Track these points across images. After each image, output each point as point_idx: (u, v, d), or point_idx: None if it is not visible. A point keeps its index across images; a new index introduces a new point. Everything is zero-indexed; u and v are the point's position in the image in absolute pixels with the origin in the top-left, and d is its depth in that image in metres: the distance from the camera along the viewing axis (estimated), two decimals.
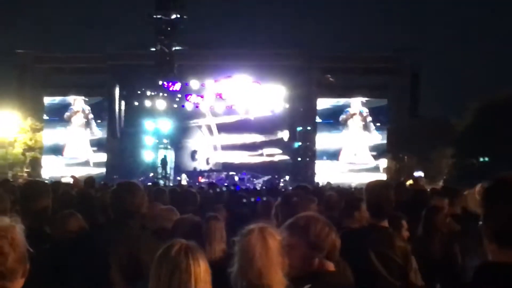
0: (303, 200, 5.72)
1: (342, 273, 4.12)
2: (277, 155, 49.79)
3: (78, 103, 52.25)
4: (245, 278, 3.64)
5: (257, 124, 49.38)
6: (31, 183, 6.48)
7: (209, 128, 52.00)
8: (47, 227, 5.58)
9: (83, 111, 52.25)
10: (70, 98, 52.15)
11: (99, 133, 52.09)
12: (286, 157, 50.00)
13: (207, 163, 50.53)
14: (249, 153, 49.92)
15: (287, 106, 49.51)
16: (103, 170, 50.21)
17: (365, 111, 50.10)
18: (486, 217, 2.42)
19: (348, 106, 50.38)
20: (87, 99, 52.03)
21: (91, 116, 52.07)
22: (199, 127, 52.15)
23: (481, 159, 46.21)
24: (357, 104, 50.32)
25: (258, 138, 49.89)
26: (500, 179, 2.45)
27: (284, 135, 50.40)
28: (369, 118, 50.08)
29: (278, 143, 50.20)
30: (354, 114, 50.26)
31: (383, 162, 48.90)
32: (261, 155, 49.76)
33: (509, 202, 2.36)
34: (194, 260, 3.35)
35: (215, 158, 51.26)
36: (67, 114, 52.21)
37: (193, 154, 50.95)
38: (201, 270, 3.34)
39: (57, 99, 52.23)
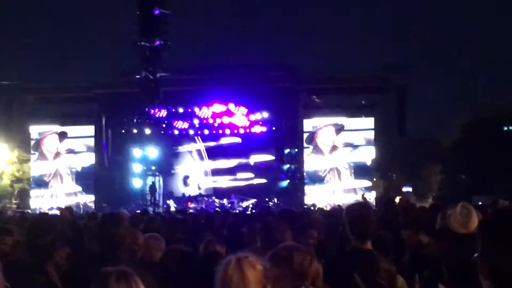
0: (280, 226, 5.87)
1: None
2: (264, 177, 49.48)
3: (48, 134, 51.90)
4: None
5: (243, 147, 49.28)
6: (40, 219, 6.50)
7: (199, 153, 51.88)
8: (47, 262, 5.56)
9: (53, 141, 51.79)
10: (41, 128, 51.99)
11: (77, 163, 51.66)
12: (274, 179, 49.64)
13: (199, 188, 50.40)
14: (237, 176, 49.73)
15: (273, 128, 49.51)
16: (92, 198, 50.01)
17: (334, 129, 49.45)
18: (483, 253, 2.24)
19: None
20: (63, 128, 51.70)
21: (64, 146, 51.63)
22: (190, 152, 52.02)
23: None
24: (326, 123, 49.82)
25: (245, 161, 49.78)
26: (499, 212, 2.25)
27: (272, 157, 50.27)
28: (339, 136, 49.41)
29: (265, 165, 50.01)
30: (319, 130, 49.60)
31: (371, 182, 48.79)
32: (248, 178, 49.53)
33: (509, 240, 2.16)
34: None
35: (206, 183, 51.12)
36: (33, 143, 51.92)
37: (185, 179, 50.81)
38: None
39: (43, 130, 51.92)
